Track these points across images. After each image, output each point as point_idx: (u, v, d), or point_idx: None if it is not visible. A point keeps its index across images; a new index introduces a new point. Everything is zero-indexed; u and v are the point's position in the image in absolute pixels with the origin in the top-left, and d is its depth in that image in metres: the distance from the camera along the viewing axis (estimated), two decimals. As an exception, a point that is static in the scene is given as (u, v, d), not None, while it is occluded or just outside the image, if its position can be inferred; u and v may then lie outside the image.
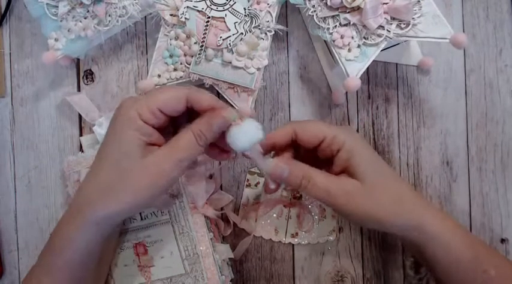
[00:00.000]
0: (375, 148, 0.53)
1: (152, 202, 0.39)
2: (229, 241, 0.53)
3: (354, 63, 0.45)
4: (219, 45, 0.46)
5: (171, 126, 0.42)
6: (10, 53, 0.55)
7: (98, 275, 0.46)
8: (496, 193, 0.53)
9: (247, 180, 0.53)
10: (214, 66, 0.47)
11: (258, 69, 0.46)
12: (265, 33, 0.47)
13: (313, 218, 0.52)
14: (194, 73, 0.47)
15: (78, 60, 0.54)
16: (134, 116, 0.38)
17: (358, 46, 0.45)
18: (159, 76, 0.48)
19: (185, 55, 0.47)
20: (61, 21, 0.48)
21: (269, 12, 0.47)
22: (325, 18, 0.45)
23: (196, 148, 0.38)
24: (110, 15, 0.47)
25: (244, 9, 0.46)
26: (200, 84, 0.48)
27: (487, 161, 0.53)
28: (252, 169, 0.53)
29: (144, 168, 0.38)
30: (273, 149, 0.44)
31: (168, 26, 0.47)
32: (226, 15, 0.46)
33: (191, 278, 0.49)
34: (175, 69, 0.48)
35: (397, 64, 0.53)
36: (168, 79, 0.48)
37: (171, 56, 0.47)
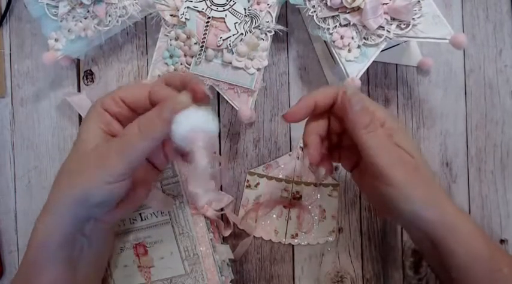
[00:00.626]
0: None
1: (102, 190, 0.38)
2: (229, 241, 0.53)
3: (353, 64, 0.45)
4: (219, 46, 0.46)
5: None
6: (10, 53, 0.55)
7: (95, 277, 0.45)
8: (496, 193, 0.53)
9: (247, 180, 0.53)
10: (214, 66, 0.47)
11: (258, 69, 0.46)
12: (265, 34, 0.47)
13: (312, 219, 0.53)
14: (194, 73, 0.47)
15: (78, 60, 0.54)
16: (96, 105, 0.40)
17: (358, 46, 0.45)
18: (159, 76, 0.48)
19: (185, 55, 0.47)
20: (61, 21, 0.48)
21: (269, 12, 0.47)
22: (325, 18, 0.45)
23: (141, 140, 0.36)
24: (110, 16, 0.47)
25: (245, 9, 0.46)
26: None
27: (486, 162, 0.53)
28: (252, 170, 0.53)
29: (93, 158, 0.38)
30: (311, 112, 0.41)
31: (168, 26, 0.47)
32: (226, 15, 0.46)
33: (191, 278, 0.49)
34: (175, 70, 0.48)
35: (396, 65, 0.53)
36: None
37: (171, 56, 0.47)
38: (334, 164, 0.44)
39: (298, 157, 0.53)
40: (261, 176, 0.53)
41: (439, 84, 0.53)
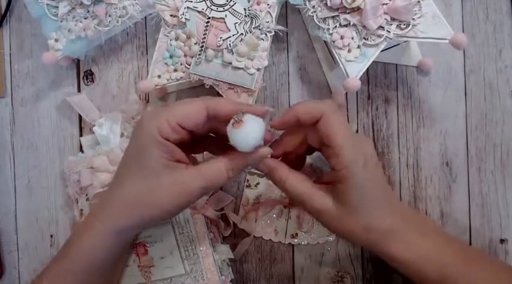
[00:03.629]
0: (374, 148, 0.53)
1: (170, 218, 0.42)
2: (229, 241, 0.53)
3: (353, 64, 0.45)
4: (219, 46, 0.46)
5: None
6: (10, 53, 0.55)
7: (111, 281, 0.47)
8: (496, 193, 0.53)
9: (247, 180, 0.53)
10: (214, 66, 0.47)
11: (258, 69, 0.46)
12: (265, 34, 0.47)
13: (312, 218, 0.53)
14: (194, 74, 0.47)
15: (78, 60, 0.54)
16: (155, 133, 0.38)
17: (358, 47, 0.45)
18: (159, 76, 0.48)
19: (185, 56, 0.47)
20: (61, 21, 0.48)
21: (269, 12, 0.47)
22: (325, 18, 0.45)
23: (224, 180, 0.39)
24: (110, 16, 0.47)
25: (244, 9, 0.46)
26: (200, 85, 0.48)
27: (486, 161, 0.53)
28: (252, 170, 0.53)
29: (171, 186, 0.38)
30: (295, 123, 0.42)
31: (168, 26, 0.47)
32: (226, 15, 0.46)
33: (191, 278, 0.49)
34: (175, 70, 0.48)
35: (396, 65, 0.53)
36: (168, 80, 0.48)
37: (171, 57, 0.47)
38: None
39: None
40: (261, 176, 0.53)
41: (439, 84, 0.53)
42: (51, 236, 0.54)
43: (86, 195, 0.50)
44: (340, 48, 0.45)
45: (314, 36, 0.50)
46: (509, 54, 0.53)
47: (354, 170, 0.38)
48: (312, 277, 0.53)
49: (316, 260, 0.53)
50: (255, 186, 0.53)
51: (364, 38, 0.45)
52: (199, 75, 0.47)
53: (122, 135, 0.51)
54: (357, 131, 0.53)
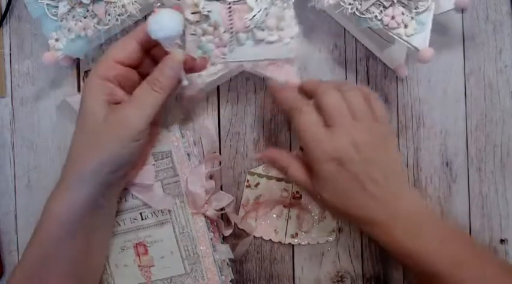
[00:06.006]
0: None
1: (126, 150, 0.42)
2: (229, 241, 0.53)
3: (416, 36, 0.45)
4: (248, 27, 0.46)
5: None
6: (10, 53, 0.55)
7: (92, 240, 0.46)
8: (496, 193, 0.53)
9: (247, 180, 0.53)
10: (249, 48, 0.46)
11: (292, 37, 0.47)
12: (287, 3, 0.47)
13: (312, 218, 0.53)
14: (232, 61, 0.47)
15: (79, 60, 0.54)
16: (93, 76, 0.41)
17: (412, 18, 0.45)
18: (199, 76, 0.47)
19: (217, 47, 0.47)
20: (61, 21, 0.48)
21: None
22: (367, 8, 0.45)
23: (155, 95, 0.41)
24: (109, 14, 0.47)
25: None
26: (241, 72, 0.49)
27: (486, 162, 0.53)
28: (252, 170, 0.53)
29: (108, 127, 0.40)
30: None
31: (191, 25, 0.47)
32: None
33: (191, 278, 0.49)
34: (212, 64, 0.47)
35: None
36: (207, 76, 0.47)
37: (204, 53, 0.47)
38: None
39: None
40: (261, 176, 0.53)
41: (439, 84, 0.53)
42: (51, 236, 0.54)
43: (86, 195, 0.50)
44: (396, 28, 0.45)
45: (357, 28, 0.49)
46: (509, 54, 0.53)
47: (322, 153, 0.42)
48: (312, 277, 0.53)
49: (316, 260, 0.53)
50: (255, 186, 0.53)
51: (414, 9, 0.44)
52: (238, 61, 0.47)
53: (122, 134, 0.51)
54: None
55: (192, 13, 0.47)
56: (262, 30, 0.46)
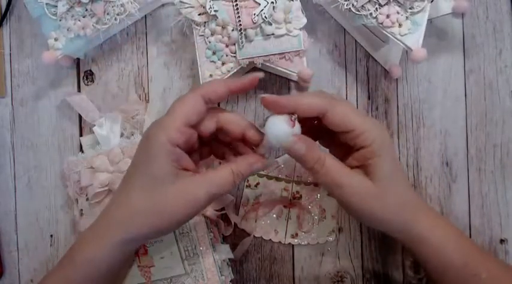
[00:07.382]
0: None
1: (182, 224, 0.41)
2: (229, 241, 0.53)
3: (410, 36, 0.45)
4: (256, 22, 0.46)
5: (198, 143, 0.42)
6: (10, 53, 0.55)
7: None
8: (496, 193, 0.53)
9: (247, 180, 0.53)
10: (258, 44, 0.47)
11: (300, 29, 0.47)
12: None
13: (312, 218, 0.53)
14: (243, 58, 0.47)
15: (79, 60, 0.54)
16: (164, 142, 0.37)
17: (407, 18, 0.45)
18: (211, 76, 0.48)
19: (227, 46, 0.47)
20: (60, 20, 0.48)
21: None
22: (362, 6, 0.45)
23: (232, 186, 0.40)
24: (108, 14, 0.47)
25: None
26: (252, 68, 0.49)
27: (486, 162, 0.53)
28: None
29: (178, 195, 0.38)
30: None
31: (199, 26, 0.47)
32: None
33: (191, 278, 0.49)
34: (223, 63, 0.47)
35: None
36: (220, 75, 0.48)
37: (214, 53, 0.47)
38: None
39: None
40: (261, 176, 0.53)
41: (439, 84, 0.53)
42: (51, 236, 0.54)
43: (86, 195, 0.50)
44: (391, 27, 0.45)
45: (352, 25, 0.49)
46: (509, 54, 0.53)
47: (384, 141, 0.39)
48: (312, 277, 0.53)
49: (316, 260, 0.53)
50: (255, 186, 0.53)
51: (409, 8, 0.45)
52: (249, 58, 0.47)
53: (121, 135, 0.51)
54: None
55: (199, 14, 0.47)
56: (270, 24, 0.46)
